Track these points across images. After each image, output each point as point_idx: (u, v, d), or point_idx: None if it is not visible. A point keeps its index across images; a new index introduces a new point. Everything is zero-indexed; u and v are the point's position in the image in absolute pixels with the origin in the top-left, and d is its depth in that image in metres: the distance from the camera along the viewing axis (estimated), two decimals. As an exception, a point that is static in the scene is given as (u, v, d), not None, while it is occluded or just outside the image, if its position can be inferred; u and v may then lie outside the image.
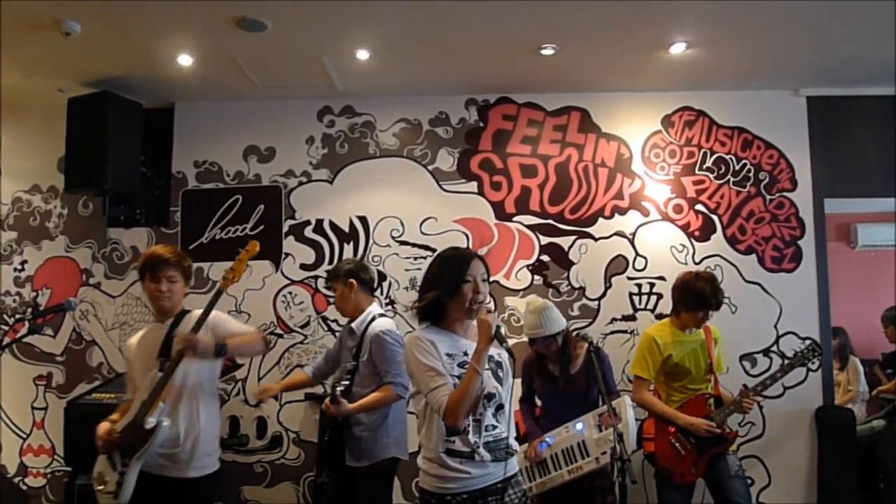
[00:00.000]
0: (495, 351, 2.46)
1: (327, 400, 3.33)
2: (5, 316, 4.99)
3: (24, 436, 4.92)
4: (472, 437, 2.36)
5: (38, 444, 4.90)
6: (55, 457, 4.84)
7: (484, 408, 2.38)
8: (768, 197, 4.66)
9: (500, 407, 2.44)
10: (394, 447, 3.50)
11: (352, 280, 3.64)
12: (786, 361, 3.82)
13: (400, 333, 3.52)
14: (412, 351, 2.41)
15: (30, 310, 4.94)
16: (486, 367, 2.37)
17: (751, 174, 4.67)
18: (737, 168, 4.68)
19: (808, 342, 4.37)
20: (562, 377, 3.71)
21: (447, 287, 2.42)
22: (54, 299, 4.92)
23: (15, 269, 5.03)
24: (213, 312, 3.14)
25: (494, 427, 2.42)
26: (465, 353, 2.40)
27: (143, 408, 2.97)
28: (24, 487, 4.79)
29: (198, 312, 3.15)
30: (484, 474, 2.38)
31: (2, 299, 5.02)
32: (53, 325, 4.94)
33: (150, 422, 2.97)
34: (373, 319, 3.56)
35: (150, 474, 3.00)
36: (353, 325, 3.59)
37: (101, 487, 3.05)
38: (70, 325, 4.93)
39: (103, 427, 3.08)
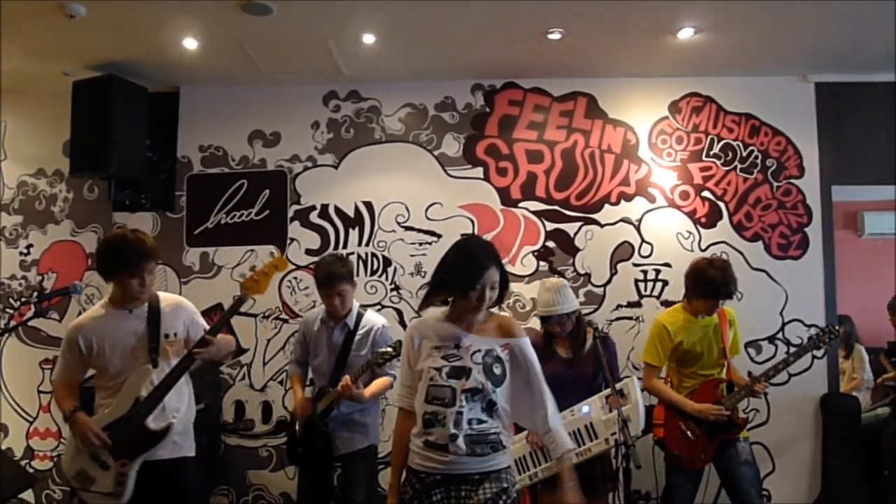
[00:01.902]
0: (499, 344, 2.49)
1: (347, 380, 3.40)
2: (11, 300, 5.00)
3: (31, 419, 4.94)
4: (450, 430, 2.39)
5: (44, 428, 4.92)
6: (62, 440, 4.86)
7: (466, 401, 2.40)
8: (775, 184, 4.63)
9: (490, 403, 2.44)
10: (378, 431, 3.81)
11: (355, 279, 3.75)
12: (803, 343, 3.80)
13: None
14: (404, 341, 2.63)
15: (35, 293, 4.94)
16: (478, 361, 2.44)
17: (758, 161, 4.65)
18: (744, 154, 4.65)
19: (813, 327, 4.33)
20: (575, 359, 3.69)
21: (455, 290, 2.49)
22: (60, 283, 4.93)
23: (20, 253, 5.04)
24: (185, 303, 3.17)
25: (481, 422, 2.43)
26: (456, 346, 2.47)
27: (143, 408, 2.91)
28: (31, 470, 4.82)
29: (168, 295, 3.17)
30: (459, 463, 2.41)
31: (7, 283, 5.03)
32: (59, 309, 4.95)
33: (156, 423, 2.93)
34: (361, 313, 3.70)
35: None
36: (347, 319, 3.65)
37: (92, 488, 2.93)
38: (76, 309, 4.93)
39: (85, 423, 2.94)
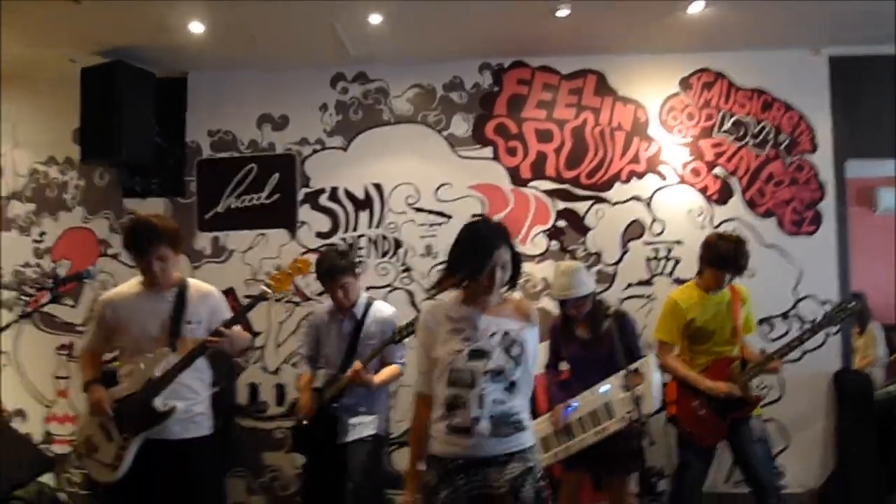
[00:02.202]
0: (515, 326, 2.48)
1: (358, 365, 3.44)
2: (26, 287, 5.04)
3: (49, 404, 5.01)
4: (472, 412, 2.40)
5: (62, 413, 4.99)
6: (80, 425, 4.92)
7: (490, 382, 2.41)
8: (788, 159, 4.58)
9: (512, 384, 2.44)
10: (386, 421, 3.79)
11: (358, 270, 3.77)
12: (819, 319, 3.79)
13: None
14: (419, 327, 2.59)
15: (51, 280, 4.98)
16: (497, 342, 2.44)
17: (770, 136, 4.59)
18: (756, 130, 4.60)
19: (827, 304, 4.28)
20: (592, 340, 3.70)
21: (466, 272, 2.47)
22: (73, 270, 4.97)
23: (34, 241, 5.08)
24: (213, 293, 3.24)
25: (503, 402, 2.43)
26: (474, 328, 2.46)
27: (153, 388, 2.99)
28: (51, 454, 4.88)
29: (199, 283, 3.23)
30: (482, 446, 2.41)
31: (22, 271, 5.07)
32: (74, 296, 4.99)
33: (163, 404, 2.99)
34: (369, 303, 3.73)
35: (152, 439, 3.03)
36: (355, 309, 3.68)
37: (94, 456, 3.06)
38: (90, 295, 4.97)
39: (98, 393, 3.07)
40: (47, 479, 4.78)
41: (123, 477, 3.00)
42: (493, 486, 2.42)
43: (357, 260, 3.84)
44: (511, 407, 2.44)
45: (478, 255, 2.44)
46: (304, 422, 3.73)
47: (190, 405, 3.07)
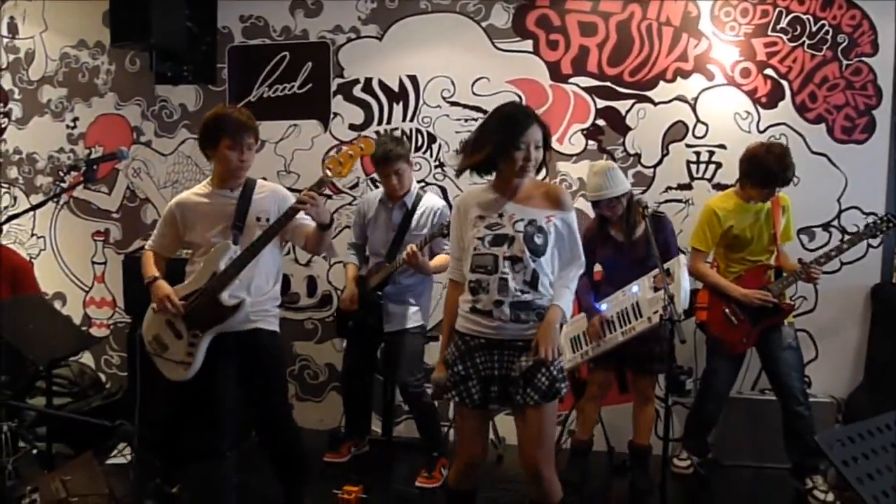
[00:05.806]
0: (544, 214, 2.49)
1: (413, 248, 3.49)
2: (60, 172, 5.08)
3: (87, 289, 5.13)
4: (495, 296, 2.45)
5: (99, 297, 5.13)
6: (117, 309, 5.06)
7: (511, 270, 2.44)
8: (845, 62, 4.32)
9: (534, 276, 2.47)
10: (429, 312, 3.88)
11: (410, 159, 3.79)
12: (859, 230, 3.71)
13: None
14: (452, 214, 2.68)
15: (83, 161, 4.99)
16: (520, 230, 2.45)
17: (828, 36, 4.32)
18: (814, 29, 4.33)
19: (871, 216, 4.14)
20: (627, 242, 3.65)
21: (499, 148, 2.44)
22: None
23: (67, 127, 5.08)
24: (280, 189, 3.23)
25: (525, 292, 2.46)
26: (500, 216, 2.49)
27: (219, 282, 2.95)
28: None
29: (266, 183, 3.22)
30: (504, 329, 2.47)
31: (56, 156, 5.10)
32: (108, 183, 5.03)
33: (230, 299, 2.95)
34: (420, 194, 3.76)
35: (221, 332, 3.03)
36: (406, 199, 3.73)
37: (164, 354, 3.05)
38: (124, 182, 5.02)
39: (164, 290, 3.03)
40: (88, 360, 4.97)
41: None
42: (506, 369, 2.49)
43: (408, 148, 3.86)
44: (533, 298, 2.47)
45: (513, 132, 2.42)
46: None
47: (257, 299, 3.04)
